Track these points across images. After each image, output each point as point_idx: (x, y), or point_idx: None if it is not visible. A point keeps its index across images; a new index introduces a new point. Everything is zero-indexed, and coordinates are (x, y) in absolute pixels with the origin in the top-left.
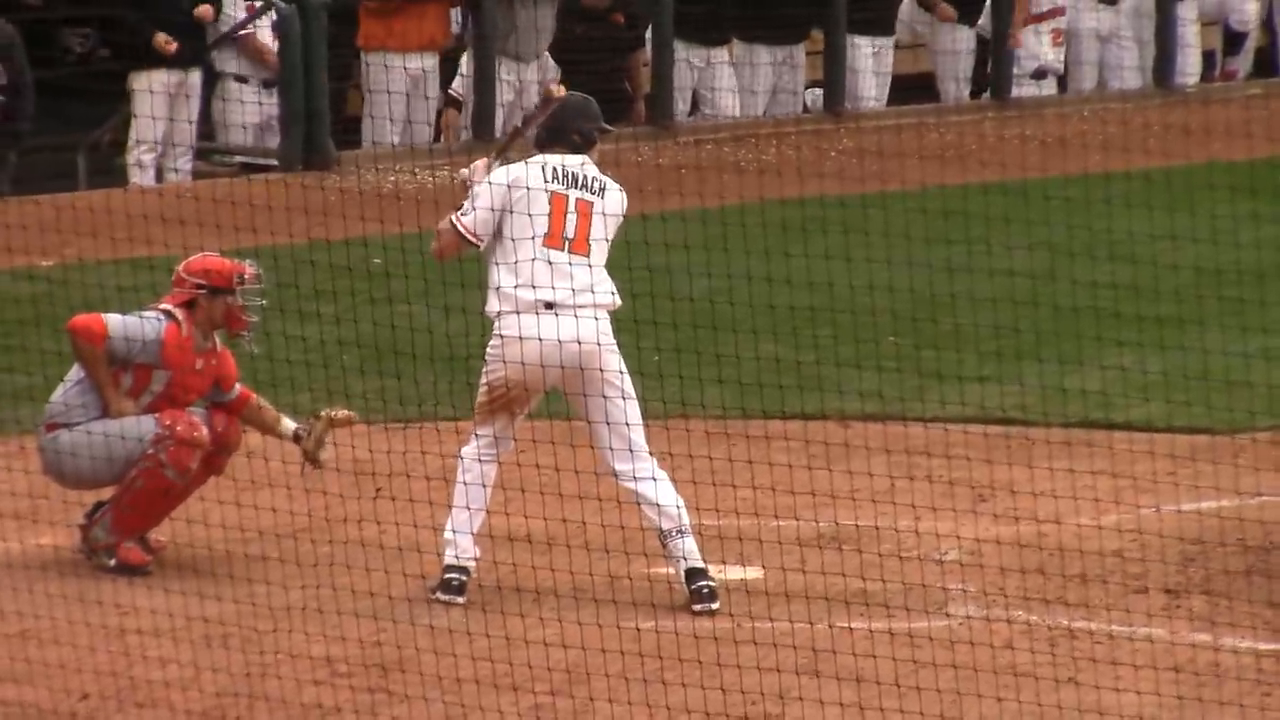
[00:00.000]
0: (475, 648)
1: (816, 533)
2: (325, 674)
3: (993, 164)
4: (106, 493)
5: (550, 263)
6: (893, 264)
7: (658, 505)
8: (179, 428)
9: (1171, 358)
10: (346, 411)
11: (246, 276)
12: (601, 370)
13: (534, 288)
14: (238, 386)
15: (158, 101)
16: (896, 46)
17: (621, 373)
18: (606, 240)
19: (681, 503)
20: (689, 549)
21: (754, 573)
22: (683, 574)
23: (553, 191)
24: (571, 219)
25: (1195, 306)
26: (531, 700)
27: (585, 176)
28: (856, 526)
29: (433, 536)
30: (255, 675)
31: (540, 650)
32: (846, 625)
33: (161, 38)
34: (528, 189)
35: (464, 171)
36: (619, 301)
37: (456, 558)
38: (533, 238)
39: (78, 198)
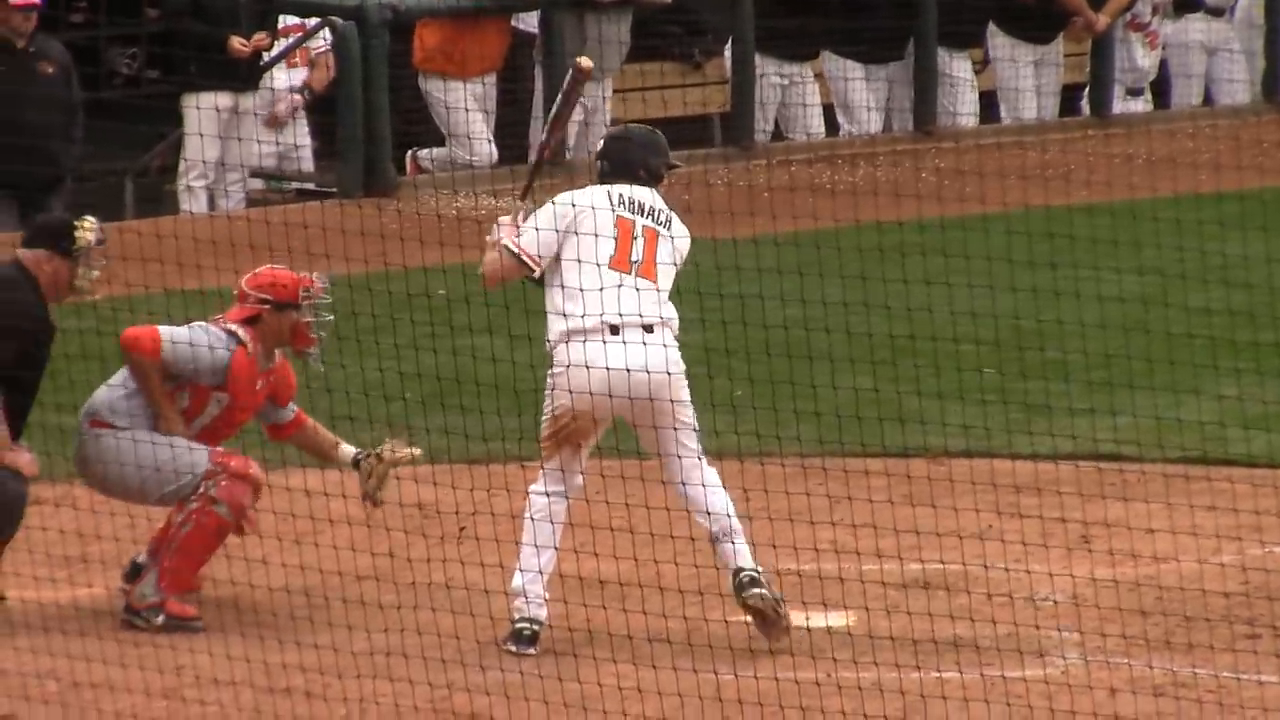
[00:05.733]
0: (550, 694)
1: (909, 575)
2: None
3: (1094, 184)
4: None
5: (619, 285)
6: (989, 290)
7: (707, 512)
8: (233, 462)
9: None
10: (408, 449)
11: (313, 290)
12: (673, 401)
13: (601, 313)
14: (293, 406)
15: (210, 125)
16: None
17: (689, 403)
18: (675, 267)
19: (732, 508)
20: (739, 551)
21: (843, 618)
22: (730, 574)
23: (618, 215)
24: (639, 243)
25: None
26: None
27: (653, 208)
28: (950, 568)
29: (503, 578)
30: None
31: (618, 696)
32: (941, 673)
33: (236, 41)
34: (593, 208)
35: (494, 233)
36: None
37: (526, 606)
38: (597, 262)
39: (125, 226)
